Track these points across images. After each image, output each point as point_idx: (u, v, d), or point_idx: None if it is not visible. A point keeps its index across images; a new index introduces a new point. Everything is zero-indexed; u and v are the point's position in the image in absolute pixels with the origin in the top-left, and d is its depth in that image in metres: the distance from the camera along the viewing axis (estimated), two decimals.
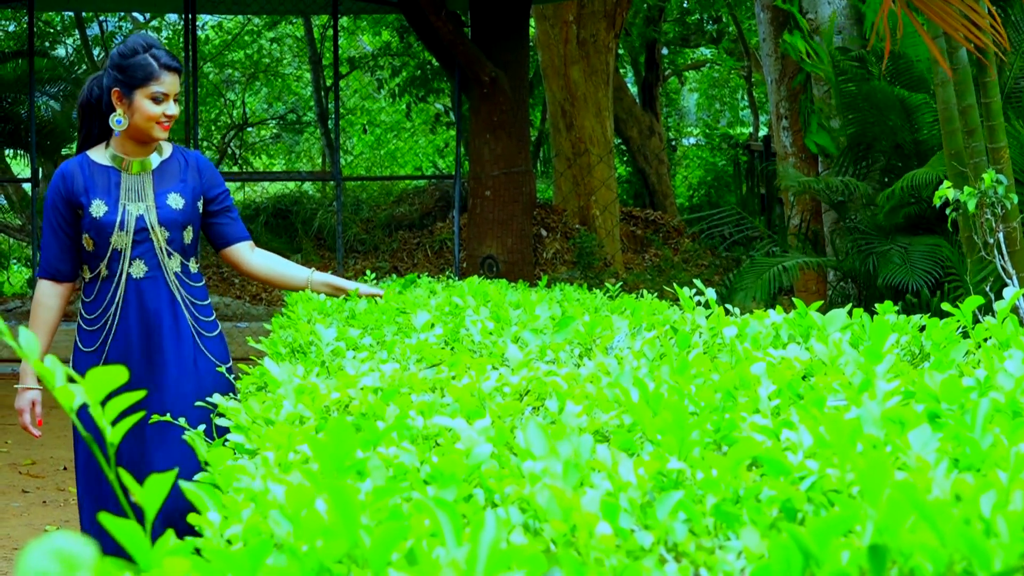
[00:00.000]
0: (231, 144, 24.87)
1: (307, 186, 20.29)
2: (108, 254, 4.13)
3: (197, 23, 12.14)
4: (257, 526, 1.22)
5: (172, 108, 4.14)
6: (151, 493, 1.13)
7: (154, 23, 23.46)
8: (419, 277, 4.58)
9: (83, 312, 4.22)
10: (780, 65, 10.07)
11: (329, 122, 21.62)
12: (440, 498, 1.02)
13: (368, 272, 4.84)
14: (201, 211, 4.27)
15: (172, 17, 23.04)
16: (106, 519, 1.06)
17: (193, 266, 4.25)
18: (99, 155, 4.22)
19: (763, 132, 22.41)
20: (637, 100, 21.31)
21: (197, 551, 1.15)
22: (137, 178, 4.19)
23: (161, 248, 4.14)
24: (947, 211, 5.48)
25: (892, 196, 7.83)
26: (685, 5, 23.40)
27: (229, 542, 1.24)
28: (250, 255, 4.37)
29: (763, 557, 1.09)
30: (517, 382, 1.83)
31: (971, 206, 5.31)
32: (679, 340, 2.21)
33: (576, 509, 1.10)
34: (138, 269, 4.13)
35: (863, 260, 8.14)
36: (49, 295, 4.26)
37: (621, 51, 20.70)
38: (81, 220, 4.15)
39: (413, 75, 19.66)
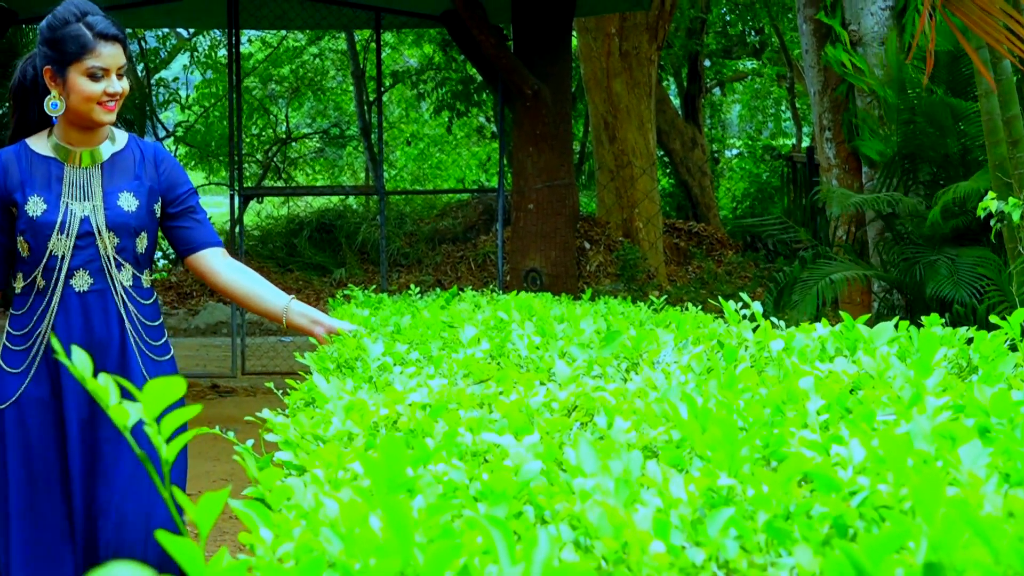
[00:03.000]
0: (275, 159, 25.01)
1: (351, 200, 20.37)
2: (44, 260, 3.50)
3: (241, 38, 12.26)
4: (308, 544, 1.22)
5: (115, 85, 3.48)
6: (204, 511, 1.14)
7: (197, 37, 23.64)
8: (462, 291, 4.54)
9: (9, 328, 3.57)
10: (823, 76, 10.02)
11: (372, 136, 21.70)
12: (492, 516, 1.03)
13: (412, 286, 4.72)
14: (159, 215, 3.65)
15: (216, 32, 23.19)
16: (162, 536, 1.07)
17: (146, 280, 3.63)
18: (40, 144, 3.60)
19: (806, 143, 22.31)
20: (680, 112, 21.28)
21: (250, 569, 1.16)
22: (83, 172, 3.56)
23: (108, 256, 3.52)
24: (991, 222, 5.45)
25: (935, 213, 7.78)
26: (727, 17, 23.36)
27: (281, 560, 1.25)
28: (220, 265, 3.68)
29: (816, 574, 1.09)
30: (565, 398, 1.83)
31: (1016, 217, 5.27)
32: (726, 354, 2.21)
33: (628, 526, 1.10)
34: (81, 281, 3.51)
35: (909, 271, 8.09)
36: None
37: (663, 62, 20.67)
38: (15, 221, 3.54)
39: (455, 89, 19.71)
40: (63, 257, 3.50)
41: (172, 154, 3.78)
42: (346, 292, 4.78)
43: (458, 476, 1.37)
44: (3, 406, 3.53)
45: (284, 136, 25.48)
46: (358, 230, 18.63)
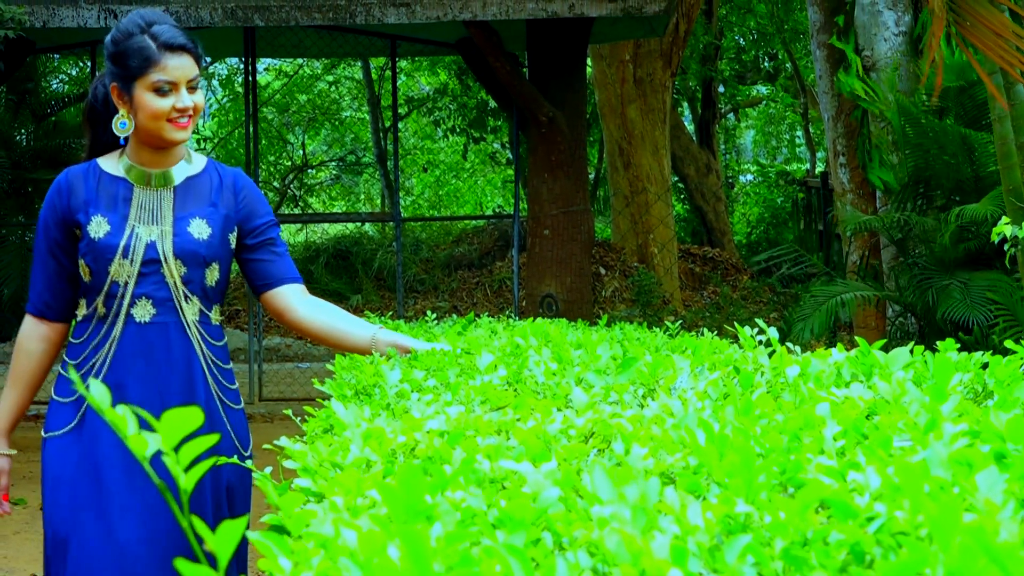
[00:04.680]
0: (291, 186, 25.09)
1: (367, 227, 20.43)
2: (106, 287, 3.25)
3: (257, 66, 12.35)
4: (327, 572, 1.23)
5: (185, 99, 3.23)
6: (223, 540, 1.15)
7: (215, 66, 23.76)
8: (478, 317, 4.53)
9: (66, 356, 3.35)
10: (837, 102, 10.04)
11: (388, 163, 21.77)
12: (511, 544, 1.03)
13: (428, 312, 4.71)
14: (234, 246, 3.37)
15: (233, 61, 23.31)
16: (181, 565, 1.08)
17: (215, 317, 3.36)
18: (110, 164, 3.36)
19: (820, 168, 22.33)
20: (694, 138, 21.33)
21: None
22: (154, 194, 3.31)
23: (176, 286, 3.25)
24: (1005, 247, 5.45)
25: (947, 226, 7.78)
26: (741, 43, 23.40)
27: None
28: (300, 303, 3.38)
29: None
30: (582, 424, 1.84)
31: None
32: (742, 380, 2.21)
33: (646, 553, 1.10)
34: (143, 311, 3.24)
35: (922, 295, 8.09)
36: (32, 337, 3.39)
37: (677, 88, 20.72)
38: (78, 242, 3.30)
39: (470, 116, 19.78)
40: (126, 284, 3.24)
41: (254, 182, 3.51)
42: (363, 318, 4.78)
43: (476, 503, 1.38)
44: (49, 435, 3.29)
45: (301, 164, 25.58)
46: (374, 256, 18.69)
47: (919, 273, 8.26)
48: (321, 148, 27.50)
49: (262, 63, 22.84)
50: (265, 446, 2.27)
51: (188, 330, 3.27)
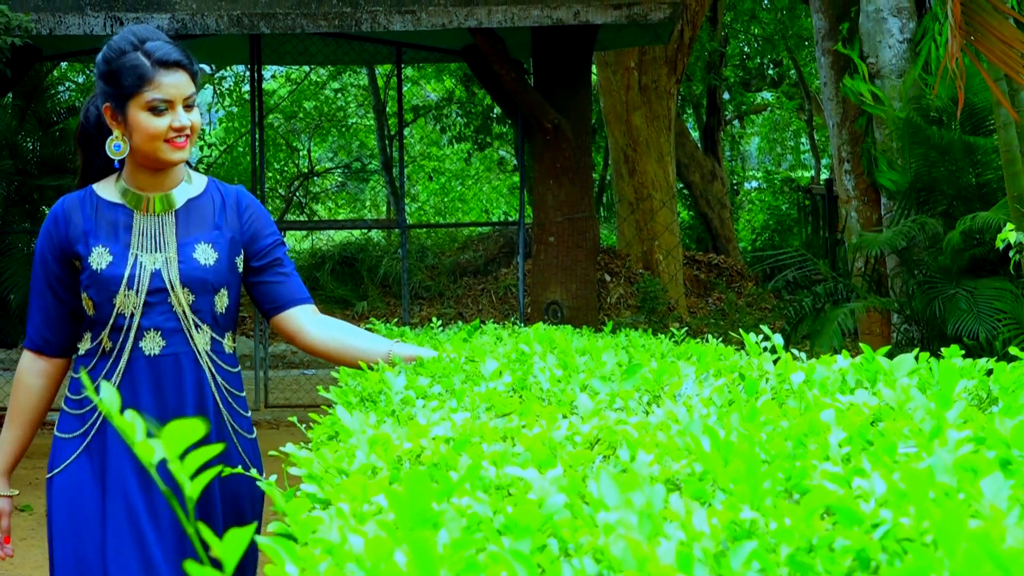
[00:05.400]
0: (297, 193, 25.13)
1: (373, 234, 20.46)
2: (111, 320, 3.09)
3: (263, 74, 12.36)
4: None
5: (182, 118, 3.06)
6: (229, 548, 1.15)
7: (220, 73, 23.80)
8: (483, 323, 4.52)
9: (67, 392, 3.20)
10: (841, 108, 10.05)
11: (394, 170, 21.79)
12: (518, 551, 1.04)
13: (434, 319, 4.71)
14: (242, 269, 3.21)
15: (239, 68, 23.35)
16: (191, 567, 1.08)
17: (228, 345, 3.21)
18: (107, 190, 3.18)
19: (825, 175, 22.34)
20: (699, 145, 21.34)
21: None
22: (155, 220, 3.14)
23: (184, 315, 3.10)
24: (1010, 254, 5.45)
25: (954, 238, 7.78)
26: (746, 49, 23.41)
27: None
28: (311, 324, 3.23)
29: None
30: (588, 431, 1.84)
31: None
32: (747, 387, 2.21)
33: (652, 560, 1.10)
34: (152, 343, 3.08)
35: (928, 304, 8.08)
36: (31, 372, 3.22)
37: (682, 95, 20.73)
38: (79, 275, 3.13)
39: (475, 123, 19.81)
40: (132, 316, 3.06)
41: (257, 199, 3.34)
42: (368, 325, 4.79)
43: (482, 509, 1.38)
44: (51, 474, 3.15)
45: (307, 171, 25.62)
46: (380, 263, 18.72)
47: (924, 281, 8.26)
48: (327, 155, 27.55)
49: (268, 70, 22.89)
50: (271, 452, 2.27)
51: (200, 359, 3.12)
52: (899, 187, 8.99)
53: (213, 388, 3.14)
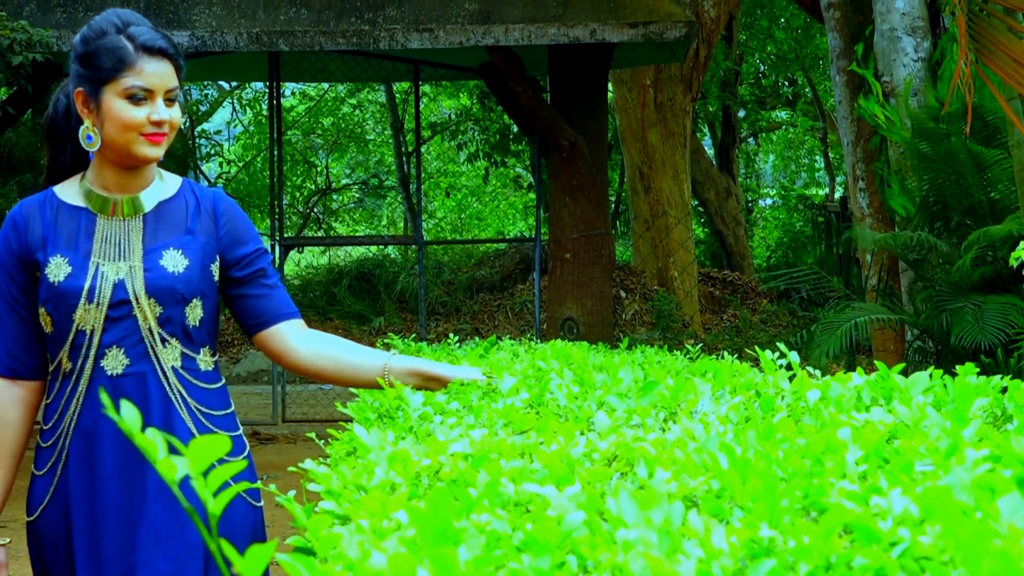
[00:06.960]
0: (315, 209, 25.19)
1: (390, 250, 20.51)
2: (71, 338, 2.75)
3: (282, 90, 12.40)
4: None
5: (162, 111, 2.73)
6: (251, 563, 1.16)
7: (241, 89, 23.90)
8: (500, 339, 4.52)
9: (41, 421, 2.87)
10: (856, 127, 10.04)
11: (411, 186, 21.83)
12: (537, 567, 1.04)
13: (451, 335, 4.70)
14: (218, 278, 2.87)
15: (257, 85, 23.44)
16: None
17: (204, 361, 2.87)
18: (69, 191, 2.84)
19: (839, 193, 22.32)
20: (714, 162, 21.36)
21: None
22: (120, 225, 2.80)
23: (150, 330, 2.76)
24: (1023, 272, 5.45)
25: (968, 250, 7.76)
26: (761, 68, 23.42)
27: None
28: (299, 341, 2.89)
29: None
30: (605, 448, 1.84)
31: None
32: (763, 404, 2.22)
33: None
34: (115, 361, 2.75)
35: (937, 318, 8.07)
36: (6, 403, 2.84)
37: (698, 113, 20.75)
38: (38, 287, 2.79)
39: (492, 140, 19.86)
40: (92, 332, 2.74)
41: (237, 203, 3.02)
42: (385, 340, 4.80)
43: (501, 526, 1.39)
44: (30, 519, 2.86)
45: (324, 187, 25.69)
46: (397, 279, 18.75)
47: (935, 296, 8.25)
48: (345, 171, 27.62)
49: (287, 87, 22.95)
50: (290, 468, 2.28)
51: (165, 378, 2.78)
52: (908, 213, 8.99)
53: (181, 409, 2.80)
